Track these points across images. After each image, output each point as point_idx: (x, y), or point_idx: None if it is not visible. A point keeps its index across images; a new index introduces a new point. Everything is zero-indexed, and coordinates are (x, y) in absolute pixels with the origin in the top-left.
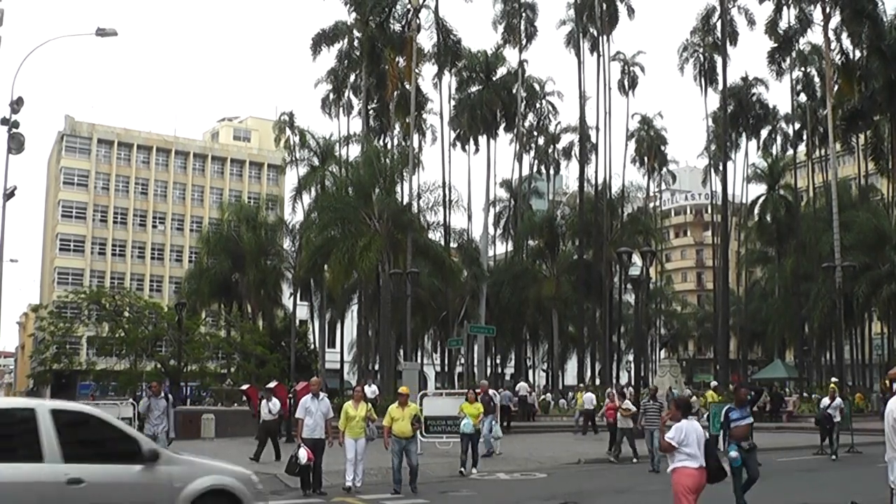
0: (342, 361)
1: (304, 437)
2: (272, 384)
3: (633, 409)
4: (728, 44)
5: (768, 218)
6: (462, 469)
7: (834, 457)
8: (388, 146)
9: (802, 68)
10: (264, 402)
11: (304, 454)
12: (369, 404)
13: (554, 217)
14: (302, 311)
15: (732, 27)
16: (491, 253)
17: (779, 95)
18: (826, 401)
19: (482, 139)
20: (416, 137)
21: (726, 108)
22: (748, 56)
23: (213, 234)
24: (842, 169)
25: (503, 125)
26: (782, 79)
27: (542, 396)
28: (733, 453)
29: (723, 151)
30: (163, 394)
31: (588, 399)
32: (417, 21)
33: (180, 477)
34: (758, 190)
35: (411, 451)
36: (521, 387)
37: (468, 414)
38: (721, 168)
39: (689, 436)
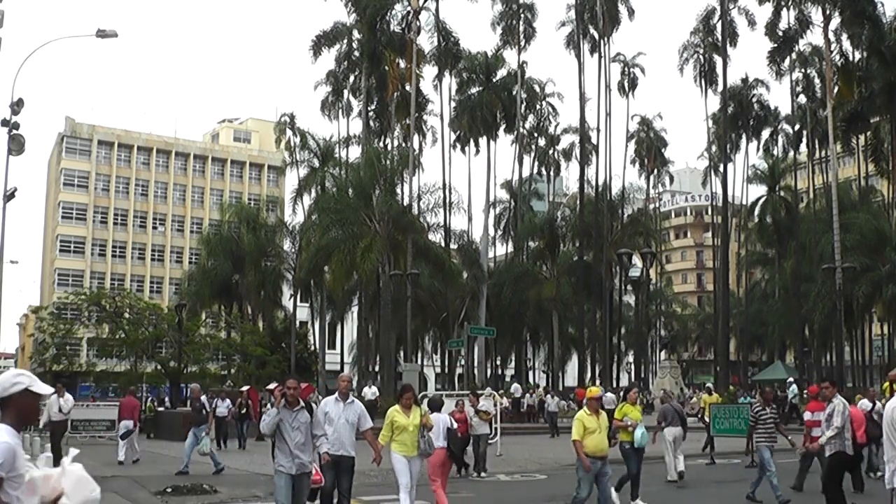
0: (342, 363)
1: (325, 452)
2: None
3: (492, 411)
4: (728, 45)
5: (768, 219)
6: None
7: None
8: (389, 147)
9: (802, 69)
10: (54, 398)
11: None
12: (423, 407)
13: (554, 218)
14: (302, 313)
15: (732, 28)
16: (491, 254)
17: (779, 97)
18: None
19: (482, 140)
20: (416, 139)
21: (726, 109)
22: (748, 57)
23: (214, 236)
24: (842, 170)
25: (503, 126)
26: (782, 80)
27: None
28: None
29: (723, 152)
30: (301, 404)
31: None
32: (418, 23)
33: None
34: (758, 191)
35: (605, 476)
36: (516, 388)
37: (634, 419)
38: (721, 169)
39: (437, 424)
